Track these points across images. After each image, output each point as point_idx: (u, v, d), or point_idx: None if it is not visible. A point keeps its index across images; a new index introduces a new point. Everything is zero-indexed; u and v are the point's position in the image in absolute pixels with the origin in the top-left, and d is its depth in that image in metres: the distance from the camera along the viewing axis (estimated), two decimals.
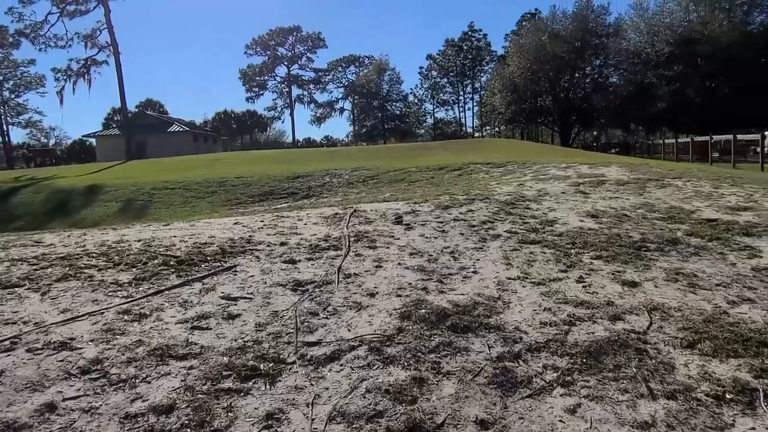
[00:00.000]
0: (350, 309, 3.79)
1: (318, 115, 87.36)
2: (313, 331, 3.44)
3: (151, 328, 3.47)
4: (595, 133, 64.65)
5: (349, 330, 3.45)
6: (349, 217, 6.60)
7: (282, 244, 5.42)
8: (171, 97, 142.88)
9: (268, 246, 5.34)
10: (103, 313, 3.70)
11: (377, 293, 4.08)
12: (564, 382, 2.84)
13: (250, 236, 5.69)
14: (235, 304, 3.86)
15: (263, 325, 3.50)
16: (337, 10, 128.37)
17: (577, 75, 50.51)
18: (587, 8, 48.80)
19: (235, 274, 4.50)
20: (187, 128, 58.83)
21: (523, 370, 2.97)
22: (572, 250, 5.24)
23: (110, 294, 4.07)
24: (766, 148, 22.77)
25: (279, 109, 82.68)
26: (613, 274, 4.54)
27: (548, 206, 7.39)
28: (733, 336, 3.32)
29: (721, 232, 5.87)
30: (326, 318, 3.65)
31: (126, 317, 3.62)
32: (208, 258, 4.90)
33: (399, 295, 4.02)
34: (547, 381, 2.86)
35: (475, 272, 4.61)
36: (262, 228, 6.14)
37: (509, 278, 4.44)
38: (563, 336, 3.35)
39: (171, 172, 22.69)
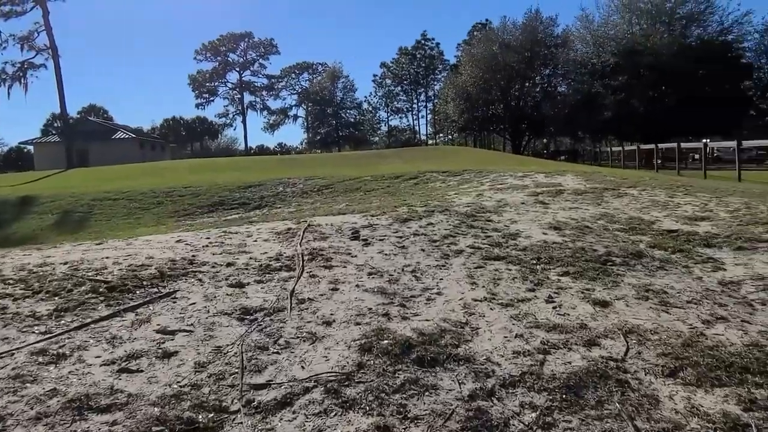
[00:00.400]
0: (304, 341, 3.40)
1: (271, 122, 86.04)
2: (262, 369, 3.03)
3: (70, 372, 2.97)
4: (545, 140, 66.32)
5: (302, 367, 3.06)
6: (303, 232, 6.19)
7: (229, 264, 4.96)
8: (116, 103, 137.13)
9: (213, 267, 4.87)
10: (13, 354, 3.17)
11: (334, 321, 3.70)
12: (545, 424, 2.55)
13: (193, 256, 5.20)
14: (173, 339, 3.40)
15: (204, 365, 3.06)
16: (290, 17, 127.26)
17: (527, 84, 51.61)
18: (536, 19, 50.00)
19: (175, 302, 4.03)
20: (134, 135, 56.57)
21: (499, 410, 2.66)
22: (538, 266, 5.01)
23: (25, 330, 3.52)
24: (704, 154, 23.79)
25: (231, 115, 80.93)
26: (582, 292, 4.33)
27: (509, 218, 7.20)
28: (715, 362, 3.12)
29: (683, 243, 5.80)
30: (277, 353, 3.24)
31: (41, 359, 3.11)
32: (145, 283, 4.39)
33: (358, 323, 3.65)
34: (526, 424, 2.56)
35: (439, 293, 4.30)
36: (207, 246, 5.64)
37: (476, 299, 4.15)
38: (539, 367, 3.06)
39: (114, 181, 21.55)
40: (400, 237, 6.08)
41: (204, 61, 76.77)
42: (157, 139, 67.26)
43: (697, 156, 34.81)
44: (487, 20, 68.52)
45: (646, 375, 3.02)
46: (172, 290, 4.23)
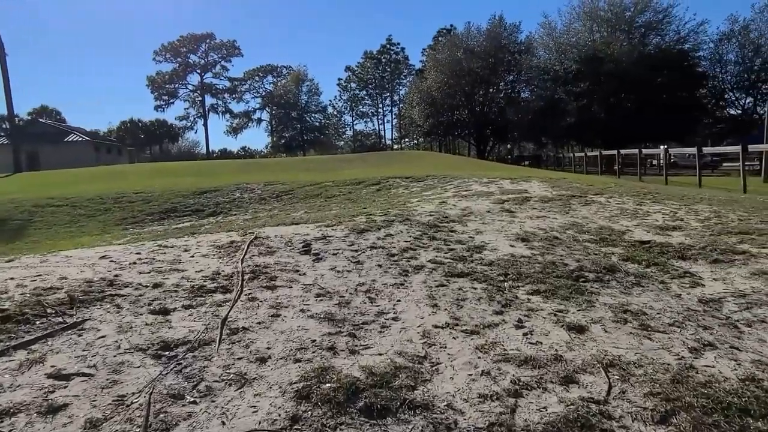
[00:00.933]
0: (230, 386, 2.81)
1: (234, 125, 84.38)
2: (171, 427, 2.43)
3: None
4: (509, 146, 66.96)
5: (223, 423, 2.48)
6: (248, 246, 5.57)
7: (156, 285, 4.31)
8: (70, 105, 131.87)
9: (137, 289, 4.22)
10: None
11: (270, 358, 3.13)
12: None
13: (115, 276, 4.53)
14: (66, 386, 2.76)
15: (97, 424, 2.44)
16: (253, 18, 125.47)
17: (491, 90, 51.91)
18: (500, 26, 50.39)
19: (81, 335, 3.38)
20: (88, 138, 54.38)
21: None
22: (506, 284, 4.55)
23: None
24: (665, 160, 24.18)
25: (192, 118, 78.93)
26: (555, 314, 3.87)
27: (474, 228, 6.76)
28: (710, 403, 2.68)
29: (657, 255, 5.45)
30: (194, 402, 2.65)
31: None
32: (49, 311, 3.71)
33: (298, 360, 3.09)
34: None
35: (395, 318, 3.78)
36: (134, 264, 4.97)
37: (437, 326, 3.64)
38: (509, 416, 2.56)
39: (62, 186, 20.33)
40: (356, 251, 5.54)
41: (164, 62, 74.76)
42: (114, 142, 64.91)
43: (654, 162, 36.01)
44: (451, 26, 68.94)
45: (633, 421, 2.56)
46: (80, 320, 3.58)
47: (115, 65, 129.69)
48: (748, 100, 41.93)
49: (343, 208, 11.37)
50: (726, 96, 42.63)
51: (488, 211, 7.95)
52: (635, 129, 38.45)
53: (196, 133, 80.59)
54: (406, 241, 5.93)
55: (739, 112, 42.45)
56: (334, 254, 5.38)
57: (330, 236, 6.18)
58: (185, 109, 79.03)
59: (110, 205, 15.14)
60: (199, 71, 76.43)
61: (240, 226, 9.82)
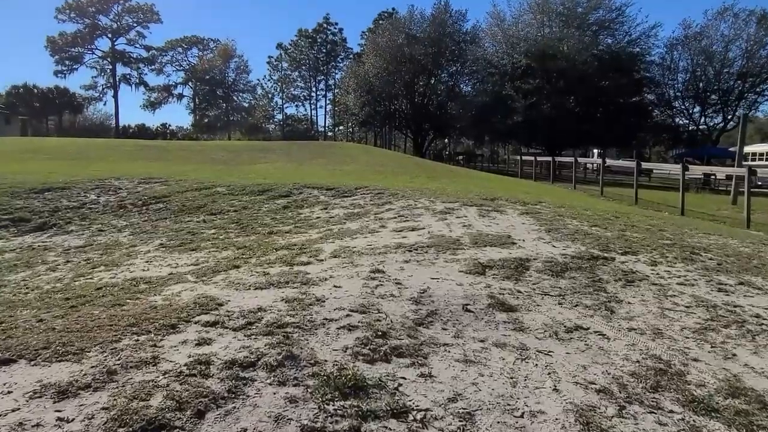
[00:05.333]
0: None
1: (152, 99, 76.38)
2: None
3: None
4: (446, 140, 63.96)
5: None
6: None
7: None
8: None
9: None
10: None
11: None
12: None
13: None
14: None
15: None
16: None
17: (432, 81, 48.41)
18: (445, 12, 46.84)
19: None
20: None
21: None
22: None
23: None
24: (601, 172, 23.19)
25: (100, 88, 70.22)
26: None
27: (455, 390, 2.70)
28: None
29: None
30: None
31: None
32: None
33: None
34: None
35: None
36: None
37: None
38: None
39: None
40: None
41: (67, 21, 65.38)
42: (2, 109, 55.94)
43: (589, 165, 34.75)
44: (393, 9, 64.74)
45: None
46: None
47: (7, 19, 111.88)
48: (696, 109, 40.89)
49: (218, 242, 7.09)
50: (674, 104, 41.39)
51: (467, 307, 3.93)
52: (581, 131, 36.38)
53: (105, 105, 71.66)
54: None
55: (687, 121, 41.38)
56: None
57: None
58: (93, 77, 70.11)
59: None
60: (109, 35, 67.77)
61: (60, 263, 5.32)
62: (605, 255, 5.64)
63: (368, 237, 6.37)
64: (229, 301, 3.87)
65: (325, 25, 74.43)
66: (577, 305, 4.22)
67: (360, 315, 3.60)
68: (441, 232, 6.39)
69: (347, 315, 3.57)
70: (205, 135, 76.11)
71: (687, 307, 4.30)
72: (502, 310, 3.96)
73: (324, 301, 3.85)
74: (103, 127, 71.63)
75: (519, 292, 4.40)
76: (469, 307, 3.95)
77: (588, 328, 3.76)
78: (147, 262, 6.17)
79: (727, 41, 37.30)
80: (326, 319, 3.50)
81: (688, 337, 3.73)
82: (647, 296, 4.53)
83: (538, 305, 4.15)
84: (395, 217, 7.53)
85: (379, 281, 4.42)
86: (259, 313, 3.53)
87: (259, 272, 4.86)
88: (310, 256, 5.42)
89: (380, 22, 63.00)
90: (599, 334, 3.67)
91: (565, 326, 3.75)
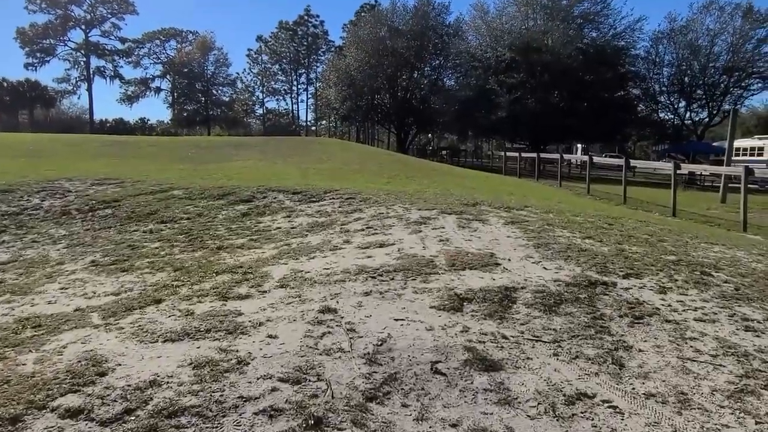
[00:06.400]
0: None
1: (129, 93, 74.24)
2: None
3: None
4: (429, 135, 62.97)
5: None
6: None
7: None
8: None
9: None
10: None
11: None
12: None
13: None
14: None
15: None
16: None
17: (416, 74, 47.37)
18: (428, 4, 45.72)
19: None
20: None
21: None
22: None
23: None
24: (588, 168, 21.97)
25: (74, 81, 67.93)
26: None
27: None
28: None
29: None
30: None
31: None
32: None
33: None
34: None
35: None
36: None
37: None
38: None
39: None
40: None
41: (38, 12, 62.98)
42: None
43: (573, 161, 34.14)
44: (376, 1, 63.45)
45: None
46: None
47: None
48: (682, 104, 40.41)
49: (157, 260, 6.12)
50: (660, 99, 40.85)
51: (436, 367, 3.01)
52: (566, 126, 35.71)
53: (79, 98, 69.38)
54: None
55: (672, 116, 40.90)
56: None
57: None
58: (66, 70, 67.74)
59: None
60: (83, 27, 65.50)
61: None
62: (605, 279, 4.76)
63: (328, 256, 5.43)
64: (119, 365, 2.90)
65: (306, 18, 72.89)
66: (577, 357, 3.33)
67: (292, 388, 2.67)
68: (413, 250, 5.47)
69: (273, 389, 2.63)
70: (185, 129, 74.27)
71: (713, 356, 3.44)
72: (482, 368, 3.05)
73: (248, 364, 2.91)
74: (79, 122, 69.33)
75: (504, 338, 3.50)
76: (439, 366, 3.04)
77: (594, 396, 2.87)
78: (62, 289, 5.17)
79: (713, 35, 36.86)
80: (242, 397, 2.55)
81: (723, 407, 2.86)
82: (662, 339, 3.66)
83: (528, 358, 3.25)
84: (362, 230, 6.59)
85: (327, 327, 3.49)
86: (150, 391, 2.58)
87: (182, 311, 3.90)
88: (252, 286, 4.47)
89: (362, 14, 61.64)
90: (609, 406, 2.78)
91: (564, 394, 2.85)
